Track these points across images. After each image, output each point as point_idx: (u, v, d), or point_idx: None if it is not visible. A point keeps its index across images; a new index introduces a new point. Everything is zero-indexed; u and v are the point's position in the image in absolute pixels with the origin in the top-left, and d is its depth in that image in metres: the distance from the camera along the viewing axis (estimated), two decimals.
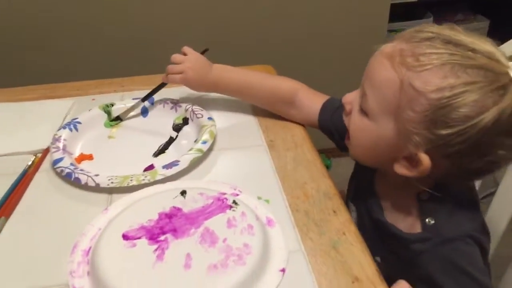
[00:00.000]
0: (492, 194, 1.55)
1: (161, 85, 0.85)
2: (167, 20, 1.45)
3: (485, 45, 0.53)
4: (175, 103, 0.85)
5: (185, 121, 0.82)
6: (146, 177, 0.66)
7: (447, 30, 0.54)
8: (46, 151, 0.76)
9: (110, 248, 0.54)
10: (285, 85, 0.81)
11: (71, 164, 0.69)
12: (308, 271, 0.53)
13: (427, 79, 0.52)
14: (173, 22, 1.46)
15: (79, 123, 0.80)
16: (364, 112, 0.60)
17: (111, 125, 0.83)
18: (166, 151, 0.76)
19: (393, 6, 1.58)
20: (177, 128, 0.82)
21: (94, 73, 1.01)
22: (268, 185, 0.67)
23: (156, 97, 0.86)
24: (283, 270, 0.53)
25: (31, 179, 0.70)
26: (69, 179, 0.66)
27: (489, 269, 0.64)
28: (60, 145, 0.74)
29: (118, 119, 0.83)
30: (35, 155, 0.75)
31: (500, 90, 0.50)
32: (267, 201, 0.64)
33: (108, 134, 0.81)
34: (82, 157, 0.74)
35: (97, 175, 0.67)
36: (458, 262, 0.57)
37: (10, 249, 0.59)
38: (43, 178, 0.71)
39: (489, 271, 0.64)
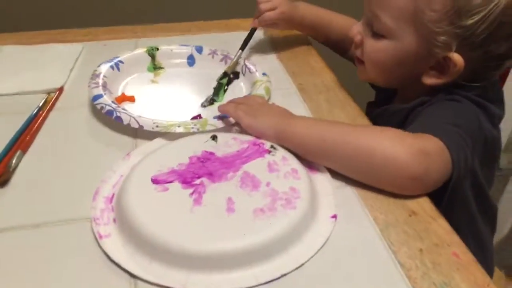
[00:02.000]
0: None
1: (253, 31, 0.79)
2: None
3: None
4: (225, 55, 0.77)
5: (236, 75, 0.74)
6: (195, 125, 0.58)
7: None
8: (60, 90, 0.71)
9: (139, 193, 0.47)
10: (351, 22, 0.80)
11: (113, 102, 0.63)
12: (360, 206, 0.49)
13: None
14: None
15: (122, 62, 0.74)
16: (378, 35, 0.60)
17: (155, 69, 0.77)
18: (215, 103, 0.69)
19: None
20: (228, 81, 0.73)
21: (102, 22, 0.94)
22: None
23: (206, 46, 0.79)
24: (334, 217, 0.47)
25: (45, 118, 0.64)
26: (110, 117, 0.60)
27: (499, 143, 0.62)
28: (100, 81, 0.67)
29: (225, 74, 0.73)
30: (48, 94, 0.70)
31: None
32: None
33: (151, 78, 0.75)
34: (124, 98, 0.68)
35: (140, 116, 0.60)
36: (441, 105, 0.57)
37: (28, 182, 0.53)
38: (59, 116, 0.65)
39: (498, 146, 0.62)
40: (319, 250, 0.44)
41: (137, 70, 0.75)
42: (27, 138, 0.59)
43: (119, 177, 0.52)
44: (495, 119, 0.58)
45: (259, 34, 0.89)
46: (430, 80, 0.59)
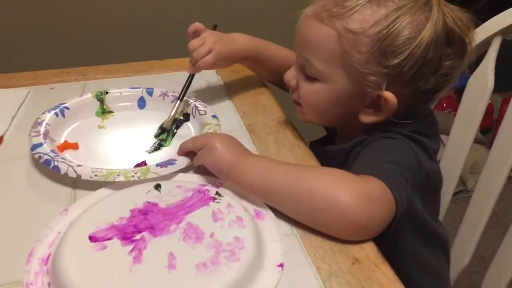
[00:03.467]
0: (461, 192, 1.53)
1: (191, 78, 0.74)
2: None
3: None
4: (177, 96, 0.75)
5: (186, 117, 0.73)
6: (136, 173, 0.56)
7: None
8: (0, 139, 0.68)
9: (75, 253, 0.45)
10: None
11: (52, 151, 0.61)
12: (304, 255, 0.48)
13: (360, 19, 0.54)
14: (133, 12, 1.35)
15: (67, 108, 0.71)
16: (312, 78, 0.60)
17: (103, 114, 0.74)
18: (162, 148, 0.67)
19: None
20: (177, 124, 0.72)
21: (49, 65, 0.91)
22: None
23: (157, 88, 0.77)
24: (281, 265, 0.46)
25: None
26: (48, 166, 0.58)
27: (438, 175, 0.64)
28: (42, 129, 0.65)
29: (164, 130, 0.70)
30: None
31: (426, 6, 0.55)
32: None
33: (98, 123, 0.73)
34: (66, 145, 0.66)
35: (79, 165, 0.58)
36: (378, 144, 0.58)
37: None
38: None
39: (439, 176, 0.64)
40: None
41: (84, 116, 0.73)
42: None
43: (56, 234, 0.50)
44: (431, 153, 0.59)
45: (211, 73, 0.88)
46: (367, 118, 0.59)
